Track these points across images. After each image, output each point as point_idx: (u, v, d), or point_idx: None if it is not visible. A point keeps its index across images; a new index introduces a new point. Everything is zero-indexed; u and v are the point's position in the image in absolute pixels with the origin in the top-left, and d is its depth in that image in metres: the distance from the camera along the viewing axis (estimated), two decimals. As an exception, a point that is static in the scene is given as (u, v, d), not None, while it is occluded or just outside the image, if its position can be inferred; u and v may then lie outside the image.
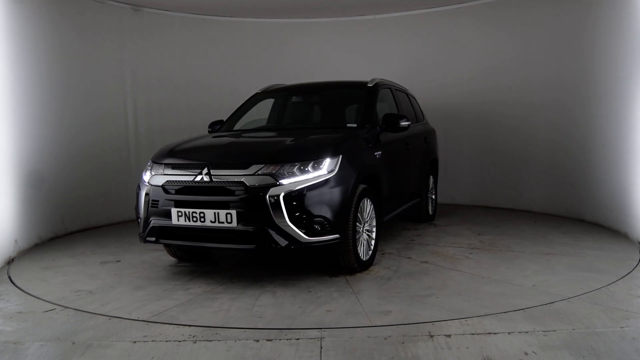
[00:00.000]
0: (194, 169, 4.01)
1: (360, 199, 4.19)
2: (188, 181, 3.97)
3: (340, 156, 4.05)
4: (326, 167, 3.94)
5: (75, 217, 6.32)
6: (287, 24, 8.10)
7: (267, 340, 2.98)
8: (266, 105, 5.80)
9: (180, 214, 3.92)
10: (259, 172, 3.83)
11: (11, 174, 5.23)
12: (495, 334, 2.98)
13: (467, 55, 7.54)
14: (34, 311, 3.58)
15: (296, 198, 3.77)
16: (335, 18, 8.12)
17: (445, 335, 2.98)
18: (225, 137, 4.77)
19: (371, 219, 4.46)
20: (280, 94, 5.76)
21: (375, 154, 4.65)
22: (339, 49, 8.13)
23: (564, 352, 2.73)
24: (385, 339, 2.96)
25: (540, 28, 6.75)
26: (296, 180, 3.82)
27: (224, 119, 5.57)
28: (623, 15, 5.35)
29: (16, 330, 3.24)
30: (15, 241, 5.19)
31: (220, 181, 3.87)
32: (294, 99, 5.80)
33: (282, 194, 3.74)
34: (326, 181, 3.90)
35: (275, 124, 5.60)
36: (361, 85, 5.34)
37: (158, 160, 4.29)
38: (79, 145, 6.39)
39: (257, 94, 5.78)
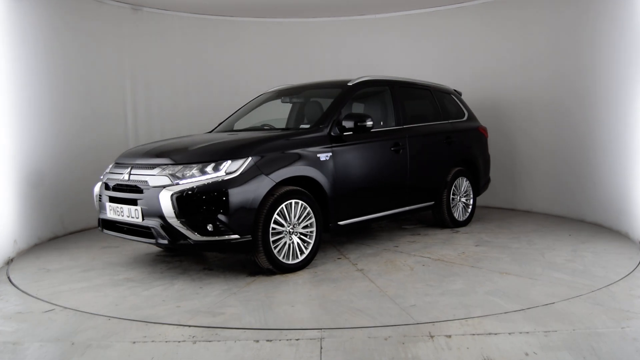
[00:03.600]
0: (124, 168, 4.44)
1: (282, 201, 4.17)
2: (118, 179, 4.42)
3: (250, 158, 4.08)
4: (225, 169, 3.99)
5: (75, 217, 6.32)
6: (288, 23, 8.11)
7: (267, 340, 2.98)
8: (268, 107, 5.82)
9: (110, 208, 4.41)
10: (161, 173, 4.09)
11: (11, 174, 5.23)
12: (495, 334, 2.98)
13: (468, 55, 7.54)
14: (33, 311, 3.58)
15: (187, 198, 3.90)
16: (336, 18, 8.12)
17: (446, 336, 2.97)
18: (173, 141, 4.87)
19: (307, 221, 4.39)
20: (274, 96, 5.79)
21: (320, 155, 4.52)
22: (339, 49, 8.14)
23: (565, 353, 2.72)
24: (386, 339, 2.95)
25: (541, 28, 6.75)
26: (193, 180, 3.96)
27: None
28: (623, 15, 5.34)
29: (15, 331, 3.23)
30: (15, 241, 5.19)
31: (134, 180, 4.25)
32: (281, 100, 5.79)
33: (174, 194, 3.91)
34: (225, 182, 3.93)
35: (257, 126, 5.52)
36: (340, 84, 5.21)
37: (116, 159, 4.75)
38: (79, 145, 6.39)
39: (257, 97, 5.87)
